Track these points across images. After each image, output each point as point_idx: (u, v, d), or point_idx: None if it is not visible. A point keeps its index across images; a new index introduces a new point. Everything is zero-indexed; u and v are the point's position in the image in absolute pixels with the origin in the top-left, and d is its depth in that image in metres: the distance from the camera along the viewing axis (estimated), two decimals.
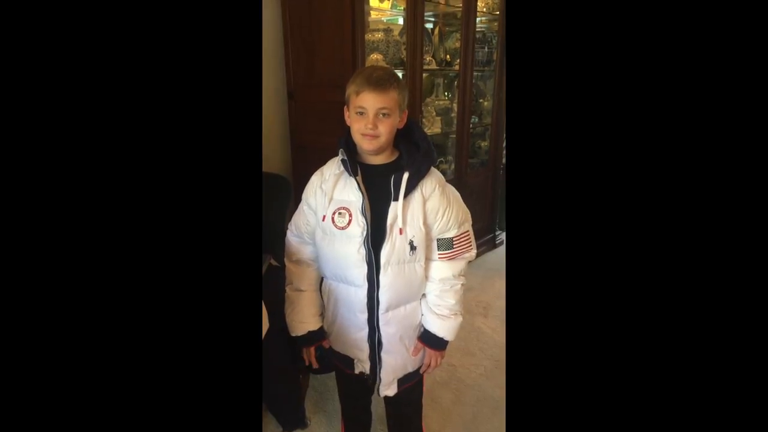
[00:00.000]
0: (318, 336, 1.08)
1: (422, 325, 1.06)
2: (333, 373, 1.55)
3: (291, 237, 1.10)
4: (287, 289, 1.10)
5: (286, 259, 1.11)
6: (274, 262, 1.58)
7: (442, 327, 1.04)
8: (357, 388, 1.20)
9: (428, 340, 1.05)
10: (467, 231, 1.04)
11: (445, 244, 1.01)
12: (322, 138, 2.03)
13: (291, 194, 1.86)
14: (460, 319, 1.05)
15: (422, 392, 1.23)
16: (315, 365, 1.12)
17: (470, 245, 1.05)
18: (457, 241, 1.02)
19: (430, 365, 1.09)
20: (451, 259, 1.02)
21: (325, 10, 1.82)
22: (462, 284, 1.05)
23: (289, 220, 1.14)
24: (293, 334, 1.09)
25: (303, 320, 1.07)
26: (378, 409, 1.39)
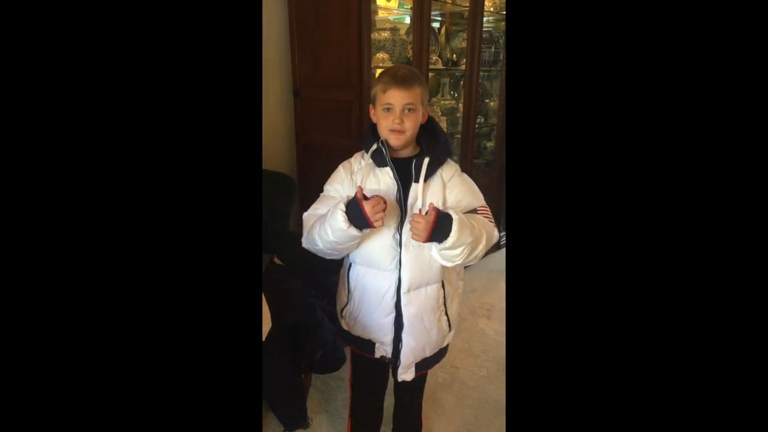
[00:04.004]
0: (356, 199, 0.93)
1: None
2: (335, 373, 1.56)
3: (308, 215, 1.06)
4: (311, 229, 1.01)
5: (304, 234, 1.05)
6: (277, 261, 1.58)
7: (459, 220, 0.91)
8: (373, 377, 1.21)
9: (440, 213, 0.92)
10: (488, 208, 1.06)
11: (471, 213, 1.02)
12: (327, 137, 2.02)
13: (295, 193, 1.86)
14: (469, 239, 0.93)
15: (426, 378, 1.26)
16: (380, 207, 0.91)
17: (493, 221, 1.06)
18: (482, 212, 1.04)
19: (414, 223, 0.92)
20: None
21: (332, 9, 1.82)
22: (485, 241, 0.97)
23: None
24: (341, 222, 0.91)
25: (334, 208, 0.94)
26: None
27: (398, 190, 0.99)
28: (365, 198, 0.91)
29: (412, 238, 0.95)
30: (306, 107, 2.08)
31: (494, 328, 2.06)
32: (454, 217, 0.91)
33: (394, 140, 0.98)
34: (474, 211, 1.03)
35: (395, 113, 0.95)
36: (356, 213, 0.90)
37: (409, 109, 0.96)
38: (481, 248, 0.98)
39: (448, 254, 0.95)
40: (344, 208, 0.91)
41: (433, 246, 0.95)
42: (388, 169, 0.99)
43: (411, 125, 0.96)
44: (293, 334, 1.36)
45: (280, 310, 1.22)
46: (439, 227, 0.91)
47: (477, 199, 1.05)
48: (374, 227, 0.91)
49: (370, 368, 1.18)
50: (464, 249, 0.94)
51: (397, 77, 0.95)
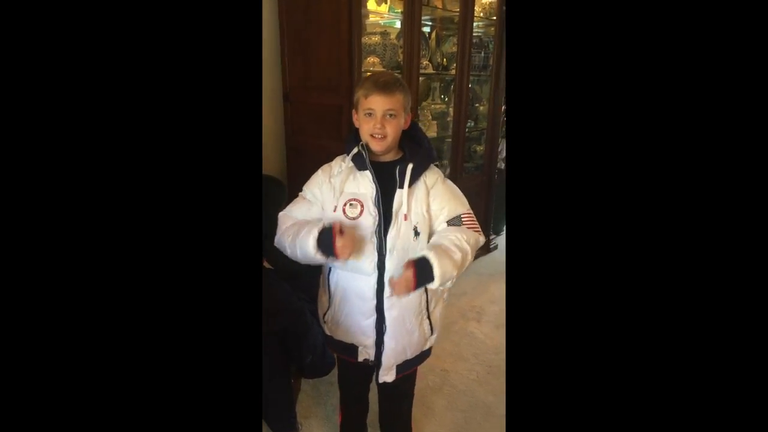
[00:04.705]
0: (331, 229, 0.96)
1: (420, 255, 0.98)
2: (325, 378, 1.55)
3: (284, 215, 1.08)
4: (284, 234, 1.04)
5: (277, 234, 1.07)
6: (267, 265, 1.57)
7: (440, 261, 0.94)
8: (357, 376, 1.23)
9: (418, 263, 0.95)
10: (472, 214, 1.08)
11: (455, 222, 1.04)
12: (317, 140, 2.02)
13: (285, 196, 1.85)
14: (455, 272, 0.97)
15: (414, 383, 1.28)
16: (350, 244, 0.95)
17: (478, 227, 1.08)
18: (466, 219, 1.05)
19: (397, 284, 0.95)
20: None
21: (322, 13, 1.82)
22: (469, 252, 1.00)
23: None
24: (311, 248, 0.95)
25: (310, 227, 0.98)
26: (371, 415, 1.38)
27: (377, 193, 0.99)
28: (341, 231, 0.94)
29: (402, 296, 0.99)
30: (296, 111, 2.08)
31: (484, 332, 2.07)
32: (433, 260, 0.93)
33: (375, 145, 0.99)
34: (458, 218, 1.05)
35: (376, 118, 0.97)
36: (327, 242, 0.94)
37: (391, 115, 0.97)
38: (468, 263, 1.02)
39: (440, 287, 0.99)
40: (317, 236, 0.95)
41: (419, 250, 0.98)
42: (367, 172, 1.00)
43: (392, 131, 0.98)
44: (282, 338, 1.35)
45: (270, 315, 1.21)
46: (421, 274, 0.94)
47: (461, 205, 1.06)
48: (338, 259, 0.96)
49: (354, 372, 1.21)
50: (453, 278, 0.98)
51: (379, 83, 0.96)
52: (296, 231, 1.00)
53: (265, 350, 1.20)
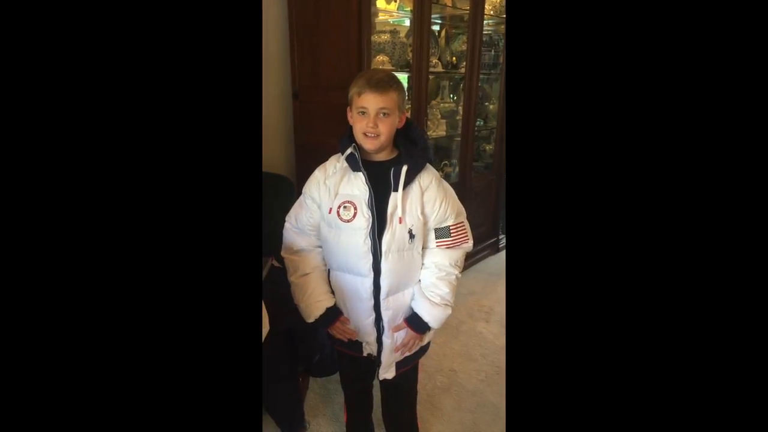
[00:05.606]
0: (336, 312, 1.09)
1: (411, 308, 1.09)
2: (333, 377, 1.55)
3: (291, 229, 1.13)
4: (292, 278, 1.11)
5: (284, 253, 1.13)
6: (276, 264, 1.58)
7: (430, 313, 1.06)
8: (361, 372, 1.25)
9: (413, 321, 1.08)
10: (463, 222, 1.09)
11: (443, 233, 1.06)
12: (326, 139, 2.01)
13: (293, 195, 1.85)
14: (449, 311, 1.07)
15: (417, 379, 1.28)
16: (353, 336, 1.10)
17: (467, 236, 1.10)
18: (454, 230, 1.07)
19: (406, 345, 1.10)
20: (448, 247, 1.07)
21: (332, 11, 1.82)
22: (457, 276, 1.08)
23: None
24: (311, 318, 1.08)
25: (318, 299, 1.08)
26: (377, 414, 1.38)
27: (370, 196, 0.99)
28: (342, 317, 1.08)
29: (405, 350, 1.10)
30: (305, 109, 2.08)
31: (493, 332, 2.05)
32: (425, 317, 1.05)
33: (368, 144, 0.98)
34: (446, 229, 1.06)
35: (369, 117, 0.95)
36: (325, 322, 1.07)
37: (384, 114, 0.96)
38: (457, 279, 1.08)
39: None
40: (318, 315, 1.06)
41: (414, 252, 1.05)
42: (361, 174, 1.00)
43: (386, 129, 0.96)
44: (290, 337, 1.36)
45: (277, 314, 1.21)
46: (419, 327, 1.07)
47: (452, 210, 1.06)
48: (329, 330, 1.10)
49: (356, 368, 1.22)
50: (450, 310, 1.07)
51: (372, 81, 0.95)
52: (303, 286, 1.08)
53: (273, 349, 1.21)
